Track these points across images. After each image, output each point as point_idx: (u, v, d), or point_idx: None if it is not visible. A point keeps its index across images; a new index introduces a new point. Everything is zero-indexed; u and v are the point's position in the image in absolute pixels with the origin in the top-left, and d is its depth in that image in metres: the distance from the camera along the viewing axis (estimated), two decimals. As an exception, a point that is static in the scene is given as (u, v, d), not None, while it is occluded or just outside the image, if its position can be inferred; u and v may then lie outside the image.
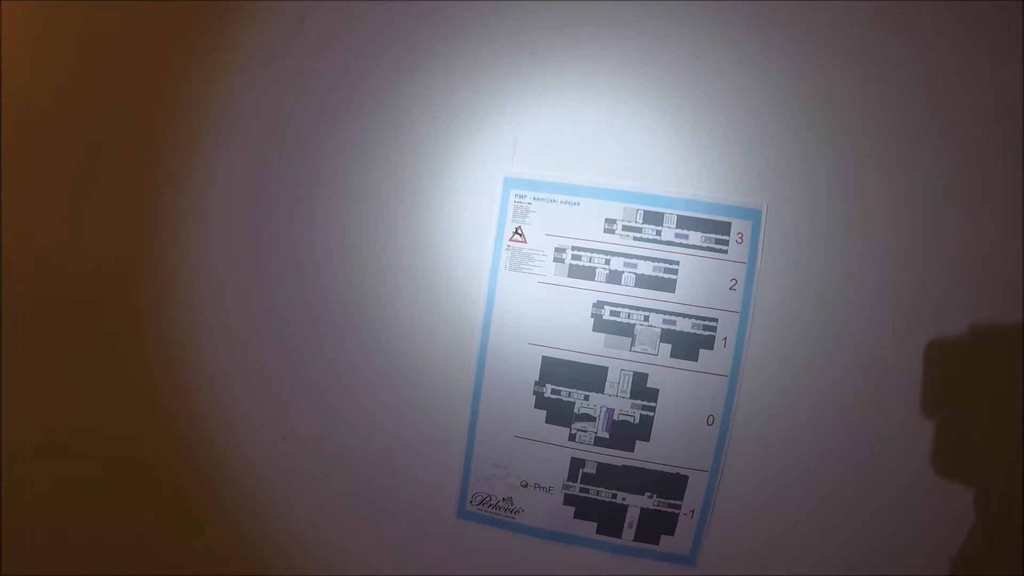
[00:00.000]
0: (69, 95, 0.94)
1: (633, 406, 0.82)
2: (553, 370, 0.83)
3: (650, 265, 0.81)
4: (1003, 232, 0.76)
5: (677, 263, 0.80)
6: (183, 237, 0.92)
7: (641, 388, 0.82)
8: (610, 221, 0.81)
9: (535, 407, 0.84)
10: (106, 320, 0.95)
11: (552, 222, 0.82)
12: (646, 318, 0.81)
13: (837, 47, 0.78)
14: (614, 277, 0.81)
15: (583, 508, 0.85)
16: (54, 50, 0.95)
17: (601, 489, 0.84)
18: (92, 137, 0.94)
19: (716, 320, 0.80)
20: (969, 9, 0.75)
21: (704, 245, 0.80)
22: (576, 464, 0.84)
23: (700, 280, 0.80)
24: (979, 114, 0.76)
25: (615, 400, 0.83)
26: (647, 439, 0.82)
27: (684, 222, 0.80)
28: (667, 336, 0.81)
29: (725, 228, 0.80)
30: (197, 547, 0.96)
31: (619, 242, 0.81)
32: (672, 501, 0.83)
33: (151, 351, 0.94)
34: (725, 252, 0.80)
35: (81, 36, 0.94)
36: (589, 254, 0.82)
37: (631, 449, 0.83)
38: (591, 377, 0.83)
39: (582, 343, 0.82)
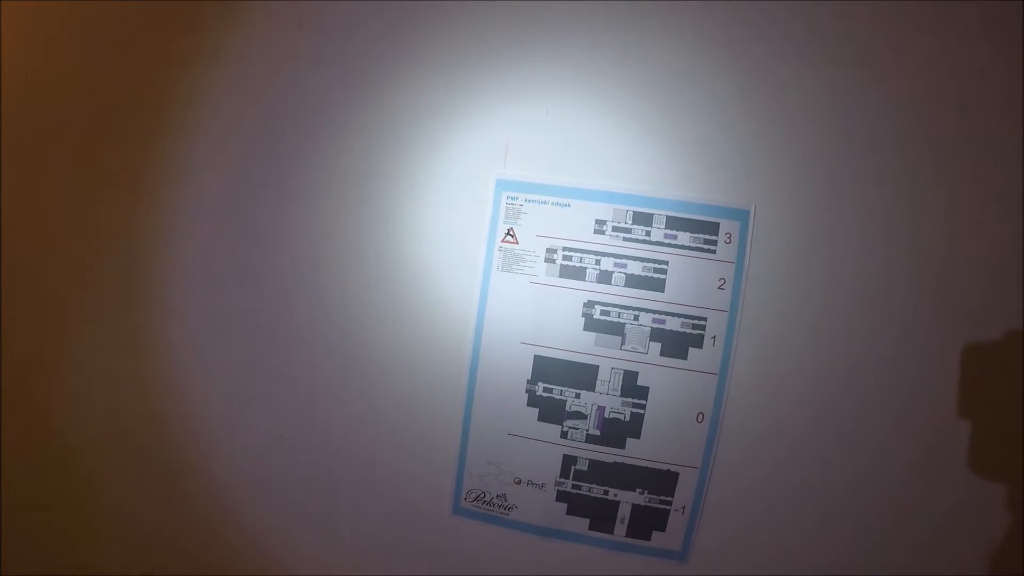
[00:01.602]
0: (68, 95, 0.95)
1: (624, 404, 0.84)
2: (545, 369, 0.84)
3: (640, 265, 0.82)
4: (1001, 231, 0.77)
5: (666, 263, 0.82)
6: (183, 238, 0.94)
7: (631, 386, 0.83)
8: (600, 222, 0.83)
9: (527, 405, 0.85)
10: (106, 321, 0.96)
11: (543, 223, 0.84)
12: (636, 317, 0.82)
13: (826, 48, 0.79)
14: (604, 277, 0.83)
15: (575, 504, 0.86)
16: (54, 50, 0.96)
17: (593, 486, 0.85)
18: (91, 136, 0.95)
19: (705, 319, 0.81)
20: (967, 8, 0.76)
21: (693, 245, 0.81)
22: (568, 461, 0.85)
23: (689, 280, 0.81)
24: (975, 114, 0.77)
25: (606, 398, 0.84)
26: (638, 436, 0.84)
27: (673, 223, 0.81)
28: (657, 335, 0.82)
29: (714, 228, 0.81)
30: (193, 547, 0.97)
31: (609, 243, 0.82)
32: (663, 497, 0.84)
33: (152, 353, 0.96)
34: (714, 252, 0.81)
35: (81, 37, 0.95)
36: (580, 255, 0.83)
37: (622, 446, 0.84)
38: (582, 375, 0.84)
39: (573, 342, 0.84)
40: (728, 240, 0.81)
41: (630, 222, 0.82)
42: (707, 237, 0.81)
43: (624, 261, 0.82)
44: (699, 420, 0.82)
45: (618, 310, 0.83)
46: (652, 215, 0.82)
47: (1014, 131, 0.76)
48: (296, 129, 0.90)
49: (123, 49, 0.94)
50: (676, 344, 0.82)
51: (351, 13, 0.88)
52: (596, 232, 0.83)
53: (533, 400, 0.85)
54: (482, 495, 0.88)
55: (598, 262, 0.83)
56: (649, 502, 0.85)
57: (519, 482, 0.87)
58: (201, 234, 0.93)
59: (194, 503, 0.97)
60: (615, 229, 0.82)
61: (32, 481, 1.01)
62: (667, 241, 0.82)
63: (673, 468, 0.84)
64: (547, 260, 0.84)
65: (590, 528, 0.86)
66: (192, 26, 0.92)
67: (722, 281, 0.81)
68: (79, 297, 0.97)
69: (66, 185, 0.96)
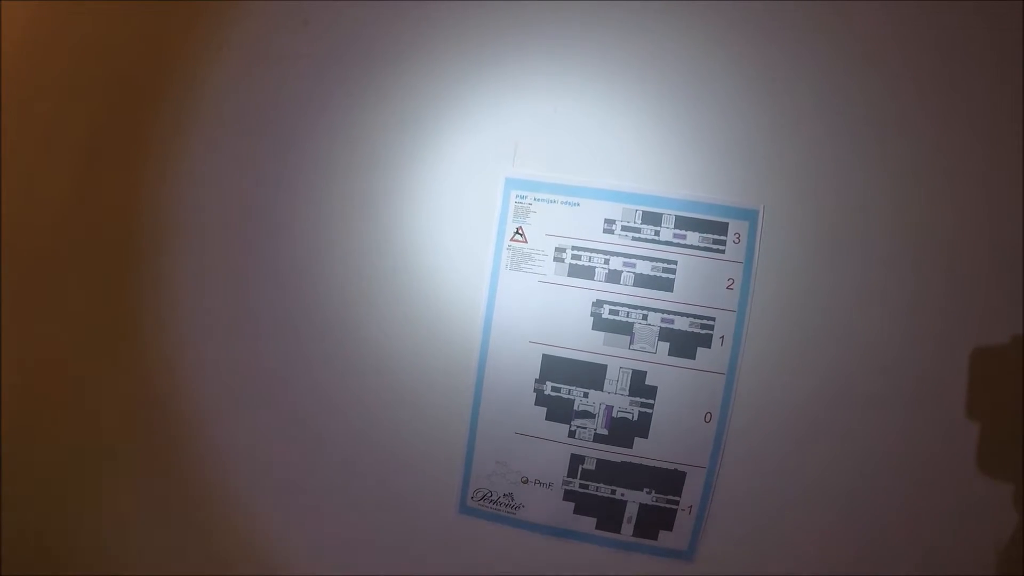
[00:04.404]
0: (70, 92, 0.95)
1: (632, 403, 0.84)
2: (553, 368, 0.84)
3: (648, 265, 0.82)
4: (1002, 232, 0.77)
5: (675, 263, 0.82)
6: (186, 235, 0.93)
7: (640, 386, 0.83)
8: (609, 221, 0.82)
9: (535, 404, 0.85)
10: (106, 319, 0.96)
11: (552, 222, 0.84)
12: (645, 317, 0.82)
13: (836, 48, 0.79)
14: (613, 276, 0.83)
15: (583, 504, 0.86)
16: (54, 48, 0.95)
17: (600, 485, 0.85)
18: (92, 137, 0.94)
19: (713, 319, 0.81)
20: (969, 8, 0.76)
21: (702, 245, 0.81)
22: (576, 460, 0.85)
23: (698, 279, 0.81)
24: (979, 114, 0.77)
25: (614, 397, 0.84)
26: (646, 436, 0.84)
27: (682, 222, 0.81)
28: (665, 334, 0.82)
29: (722, 228, 0.81)
30: (196, 546, 0.97)
31: (618, 242, 0.82)
32: (670, 497, 0.84)
33: (153, 351, 0.95)
34: (723, 252, 0.81)
35: (83, 35, 0.94)
36: (589, 254, 0.83)
37: (630, 446, 0.84)
38: (590, 375, 0.84)
39: (582, 341, 0.84)
40: (737, 240, 0.81)
41: (639, 221, 0.82)
42: (716, 237, 0.81)
43: (633, 260, 0.82)
44: (707, 420, 0.83)
45: (627, 309, 0.83)
46: (661, 215, 0.82)
47: (1018, 132, 0.76)
48: (303, 128, 0.89)
49: (127, 46, 0.93)
50: (684, 344, 0.82)
51: (358, 11, 0.87)
52: (605, 231, 0.83)
53: (541, 399, 0.85)
54: (489, 494, 0.88)
55: (607, 261, 0.83)
56: (656, 502, 0.85)
57: (526, 481, 0.87)
58: (204, 233, 0.93)
59: (195, 501, 0.96)
60: (624, 228, 0.82)
61: (32, 480, 1.00)
62: (676, 241, 0.82)
63: (680, 468, 0.84)
64: (556, 259, 0.84)
65: (597, 527, 0.86)
66: (196, 24, 0.91)
67: (731, 281, 0.81)
68: (80, 294, 0.96)
69: (67, 182, 0.95)
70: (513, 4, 0.84)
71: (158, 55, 0.92)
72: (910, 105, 0.78)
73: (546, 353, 0.85)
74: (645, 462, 0.84)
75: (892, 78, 0.78)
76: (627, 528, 0.86)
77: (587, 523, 0.86)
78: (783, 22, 0.79)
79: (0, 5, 0.94)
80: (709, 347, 0.82)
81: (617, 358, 0.83)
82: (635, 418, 0.84)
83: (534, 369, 0.85)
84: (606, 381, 0.84)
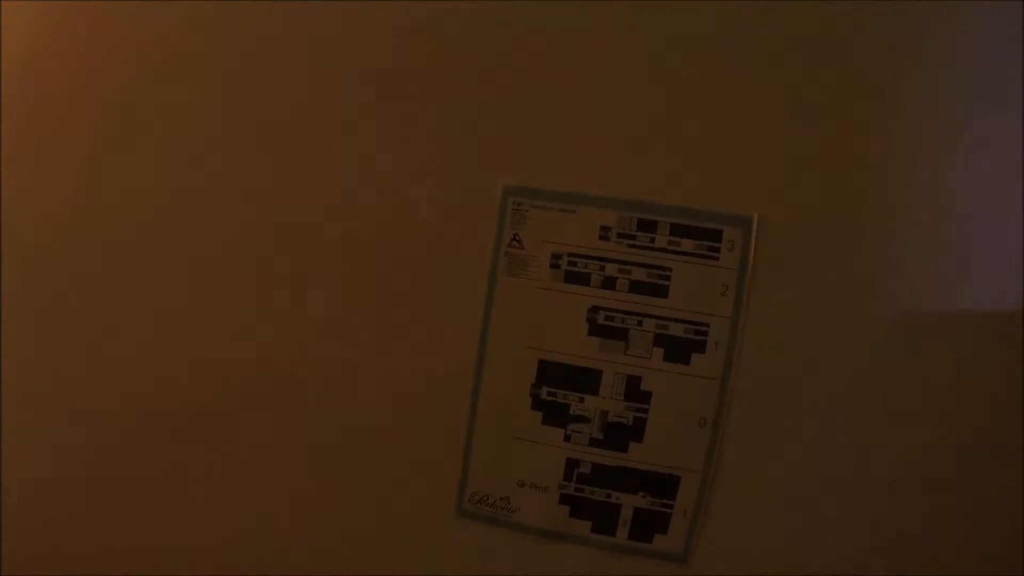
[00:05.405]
0: (71, 95, 0.95)
1: (627, 408, 0.84)
2: (549, 373, 0.85)
3: (644, 271, 0.83)
4: (1001, 233, 0.78)
5: (670, 270, 0.82)
6: (186, 238, 0.94)
7: (635, 391, 0.84)
8: (605, 229, 0.83)
9: (532, 409, 0.86)
10: (106, 319, 0.96)
11: (549, 229, 0.84)
12: (639, 323, 0.83)
13: (829, 53, 0.79)
14: (608, 283, 0.84)
15: (578, 507, 0.87)
16: (57, 51, 0.95)
17: (596, 489, 0.86)
18: (93, 137, 0.95)
19: (708, 325, 0.82)
20: (967, 9, 0.76)
21: (696, 252, 0.82)
22: (571, 464, 0.86)
23: (692, 286, 0.82)
24: (976, 117, 0.77)
25: (609, 402, 0.85)
26: (640, 440, 0.85)
27: (677, 230, 0.82)
28: (660, 340, 0.83)
29: (717, 236, 0.82)
30: (191, 547, 0.97)
31: (614, 249, 0.83)
32: (665, 501, 0.85)
33: (151, 351, 0.96)
34: (717, 259, 0.82)
35: (84, 36, 0.94)
36: (584, 260, 0.84)
37: (625, 450, 0.85)
38: (586, 380, 0.85)
39: (577, 347, 0.84)
40: (731, 247, 0.81)
41: (635, 229, 0.83)
42: (710, 244, 0.82)
43: (628, 267, 0.83)
44: (701, 424, 0.83)
45: (622, 315, 0.84)
46: (656, 222, 0.82)
47: (1018, 132, 0.76)
48: (299, 132, 0.90)
49: (128, 46, 0.93)
50: (679, 349, 0.83)
51: (353, 13, 0.87)
52: (601, 238, 0.83)
53: (537, 404, 0.86)
54: (485, 497, 0.89)
55: (602, 268, 0.84)
56: (651, 505, 0.86)
57: (522, 484, 0.88)
58: (203, 233, 0.93)
59: (194, 501, 0.97)
60: (620, 236, 0.83)
61: (32, 480, 1.01)
62: (671, 248, 0.82)
63: (675, 472, 0.85)
64: (552, 266, 0.84)
65: (592, 531, 0.87)
66: (193, 25, 0.91)
67: (725, 288, 0.82)
68: (80, 293, 0.97)
69: (67, 182, 0.96)
70: (514, 6, 0.84)
71: (159, 55, 0.92)
72: (906, 109, 0.79)
73: (542, 358, 0.85)
74: (640, 466, 0.85)
75: (888, 82, 0.78)
76: (622, 531, 0.87)
77: (582, 526, 0.87)
78: (779, 27, 0.80)
79: (0, 5, 0.94)
80: (703, 353, 0.83)
81: (612, 363, 0.84)
82: (630, 423, 0.85)
83: (530, 374, 0.86)
84: (601, 386, 0.85)
